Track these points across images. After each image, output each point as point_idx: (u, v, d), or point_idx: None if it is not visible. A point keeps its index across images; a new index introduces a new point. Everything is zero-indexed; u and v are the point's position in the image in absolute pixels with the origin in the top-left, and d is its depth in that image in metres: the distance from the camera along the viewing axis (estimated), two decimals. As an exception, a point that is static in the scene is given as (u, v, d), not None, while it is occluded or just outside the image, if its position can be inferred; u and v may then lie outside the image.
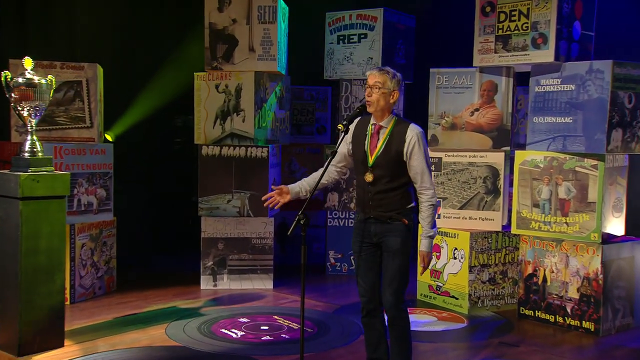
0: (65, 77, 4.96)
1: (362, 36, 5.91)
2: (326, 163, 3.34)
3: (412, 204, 3.29)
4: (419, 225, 3.34)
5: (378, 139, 3.23)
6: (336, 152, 3.30)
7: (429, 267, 3.37)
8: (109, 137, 6.13)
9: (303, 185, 3.39)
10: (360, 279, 3.32)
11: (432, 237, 3.26)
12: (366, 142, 3.25)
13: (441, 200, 5.04)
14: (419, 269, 3.34)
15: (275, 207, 3.36)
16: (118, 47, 6.40)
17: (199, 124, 5.38)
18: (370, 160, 3.22)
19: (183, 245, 6.67)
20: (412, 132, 3.19)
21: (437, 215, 3.28)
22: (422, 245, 3.25)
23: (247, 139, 5.34)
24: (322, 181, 3.34)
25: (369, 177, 3.23)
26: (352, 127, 3.35)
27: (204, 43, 5.38)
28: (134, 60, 6.52)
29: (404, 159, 3.20)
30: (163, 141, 6.94)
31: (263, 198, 3.39)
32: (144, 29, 6.57)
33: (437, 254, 5.06)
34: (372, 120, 3.27)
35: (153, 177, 6.82)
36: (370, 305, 3.32)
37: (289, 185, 3.39)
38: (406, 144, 3.17)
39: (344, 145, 3.40)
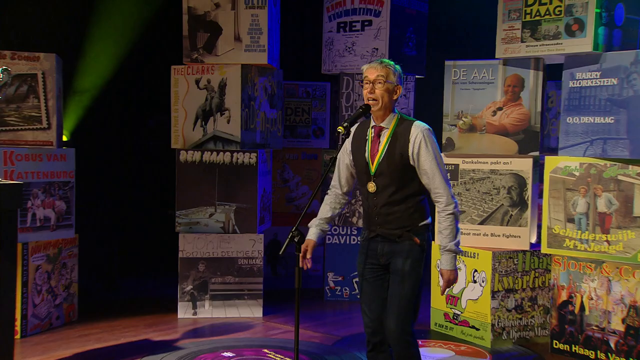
0: (17, 69, 4.90)
1: (366, 23, 5.87)
2: (327, 193, 3.42)
3: (427, 221, 3.26)
4: (434, 243, 3.24)
5: (379, 143, 3.22)
6: (330, 171, 3.26)
7: (447, 291, 3.38)
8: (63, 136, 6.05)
9: (321, 225, 3.38)
10: (366, 306, 3.30)
11: (453, 252, 3.19)
12: (366, 147, 3.26)
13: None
14: (439, 289, 3.27)
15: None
16: (80, 35, 6.34)
17: (177, 125, 5.40)
18: (372, 167, 3.22)
19: (157, 266, 6.64)
20: (417, 129, 3.18)
21: (458, 227, 3.26)
22: (442, 263, 3.20)
23: (233, 143, 5.34)
24: (330, 215, 3.40)
25: (371, 187, 3.22)
26: (351, 133, 3.35)
27: (182, 31, 5.36)
28: (100, 50, 6.46)
29: (411, 162, 3.19)
30: (134, 145, 6.95)
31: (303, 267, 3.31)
32: (111, 13, 6.52)
33: None
34: (372, 122, 3.27)
35: (122, 187, 6.81)
36: (376, 337, 3.27)
37: (308, 237, 3.33)
38: (411, 145, 3.16)
39: (345, 158, 3.38)
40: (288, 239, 2.99)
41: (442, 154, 3.29)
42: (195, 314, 5.36)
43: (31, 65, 4.92)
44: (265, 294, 5.48)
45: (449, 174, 4.89)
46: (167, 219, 5.98)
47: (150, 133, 6.95)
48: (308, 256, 3.25)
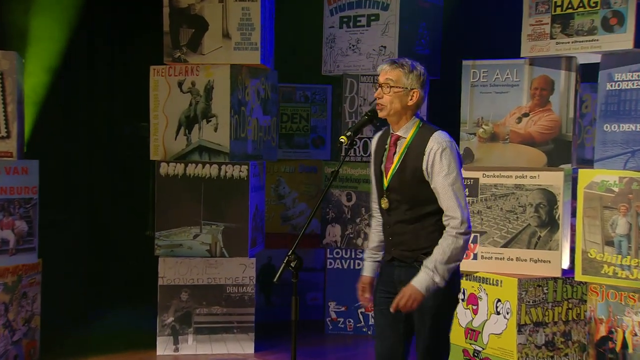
0: (-30, 69, 4.93)
1: (373, 18, 5.84)
2: (371, 215, 3.47)
3: None
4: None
5: (395, 153, 3.26)
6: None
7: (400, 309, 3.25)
8: None
9: (373, 257, 3.45)
10: (379, 341, 3.33)
11: (432, 274, 3.05)
12: (383, 158, 3.30)
13: (478, 235, 4.97)
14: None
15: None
16: (43, 29, 6.35)
17: (157, 134, 5.40)
18: (385, 181, 3.26)
19: (133, 296, 6.59)
20: (434, 141, 3.17)
21: (461, 254, 3.14)
22: (415, 279, 3.08)
23: (221, 154, 5.33)
24: (378, 242, 3.43)
25: (384, 203, 3.26)
26: (374, 142, 3.41)
27: (163, 26, 5.34)
28: (65, 46, 6.45)
29: (426, 178, 3.18)
30: (107, 156, 6.93)
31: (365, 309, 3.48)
32: (79, 5, 6.54)
33: (474, 307, 4.95)
34: (391, 129, 3.32)
35: (93, 205, 6.79)
36: None
37: (362, 273, 3.45)
38: (425, 158, 3.16)
39: (371, 169, 3.43)
40: (284, 264, 2.99)
41: (459, 163, 3.26)
42: (177, 350, 5.30)
43: (-13, 64, 4.93)
44: (257, 326, 5.42)
45: (467, 190, 4.86)
46: (145, 241, 5.92)
47: (126, 142, 6.92)
48: (366, 295, 3.36)
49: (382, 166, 3.27)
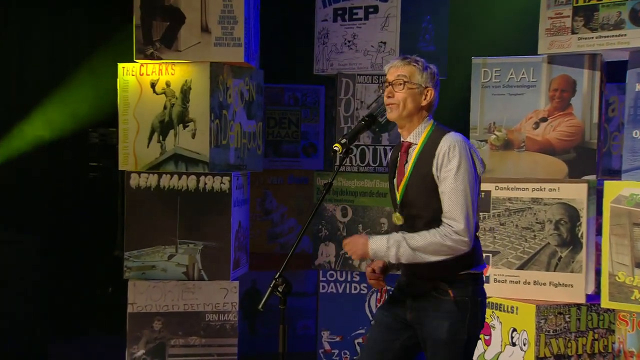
0: None
1: (371, 10, 5.83)
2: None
3: (473, 269, 3.22)
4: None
5: (406, 162, 3.28)
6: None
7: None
8: None
9: None
10: (364, 353, 3.44)
11: (393, 247, 3.10)
12: (396, 170, 3.35)
13: (490, 255, 4.95)
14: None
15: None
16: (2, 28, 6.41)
17: (126, 141, 5.34)
18: (398, 194, 3.29)
19: (99, 325, 6.57)
20: (446, 142, 3.18)
21: (434, 258, 3.11)
22: (376, 237, 3.16)
23: (199, 164, 5.31)
24: None
25: (398, 220, 3.29)
26: (390, 155, 3.51)
27: (133, 19, 5.33)
28: (27, 44, 6.52)
29: (438, 184, 3.19)
30: (70, 167, 6.93)
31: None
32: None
33: (487, 338, 4.93)
34: (401, 137, 3.36)
35: (54, 221, 6.77)
36: None
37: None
38: (434, 161, 3.17)
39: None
40: (270, 288, 3.00)
41: (472, 162, 3.23)
42: (148, 386, 5.30)
43: None
44: (240, 359, 5.39)
45: (482, 194, 4.88)
46: (113, 262, 5.89)
47: (92, 150, 6.89)
48: (381, 279, 3.31)
49: (395, 180, 3.31)
